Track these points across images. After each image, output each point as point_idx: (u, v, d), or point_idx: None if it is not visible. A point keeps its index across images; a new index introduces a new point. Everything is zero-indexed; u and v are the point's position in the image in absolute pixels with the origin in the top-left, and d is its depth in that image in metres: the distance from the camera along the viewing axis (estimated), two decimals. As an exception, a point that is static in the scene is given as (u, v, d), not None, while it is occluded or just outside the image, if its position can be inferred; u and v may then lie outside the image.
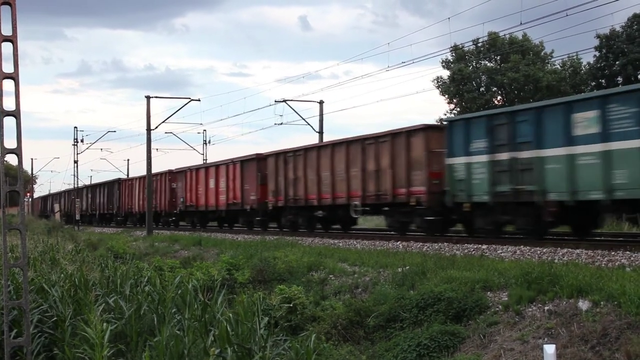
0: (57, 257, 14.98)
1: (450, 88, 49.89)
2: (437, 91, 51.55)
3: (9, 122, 7.47)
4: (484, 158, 18.46)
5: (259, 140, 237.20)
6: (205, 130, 58.50)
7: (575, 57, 47.34)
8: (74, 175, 56.93)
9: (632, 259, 12.78)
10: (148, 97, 39.79)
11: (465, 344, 10.21)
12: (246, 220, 32.42)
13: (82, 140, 56.98)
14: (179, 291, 9.23)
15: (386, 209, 23.07)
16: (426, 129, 21.10)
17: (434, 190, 20.21)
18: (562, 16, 22.19)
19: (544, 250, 14.68)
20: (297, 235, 25.57)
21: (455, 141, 19.45)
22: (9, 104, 7.48)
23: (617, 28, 42.44)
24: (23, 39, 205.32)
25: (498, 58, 49.36)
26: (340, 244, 20.83)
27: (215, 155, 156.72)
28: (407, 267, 13.80)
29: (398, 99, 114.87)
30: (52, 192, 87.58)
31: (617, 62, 42.14)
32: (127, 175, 57.89)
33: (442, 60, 50.24)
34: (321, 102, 40.27)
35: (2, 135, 7.36)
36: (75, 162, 56.68)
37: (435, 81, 51.28)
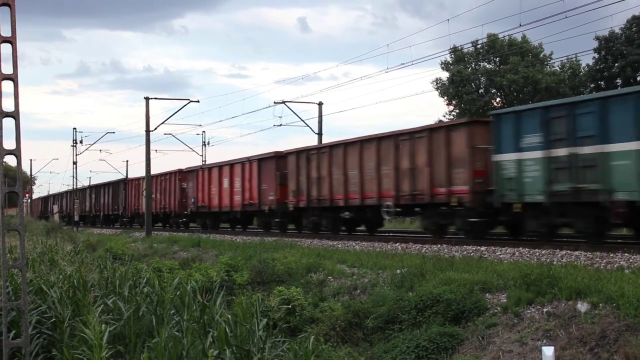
0: (55, 258, 14.94)
1: (449, 90, 49.98)
2: (436, 93, 51.75)
3: (8, 123, 7.47)
4: (537, 154, 16.94)
5: (258, 142, 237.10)
6: (204, 131, 58.58)
7: (574, 59, 47.47)
8: (73, 176, 56.88)
9: (630, 260, 12.79)
10: (147, 99, 39.73)
11: (463, 345, 10.22)
12: (263, 222, 31.20)
13: (81, 142, 56.87)
14: (178, 292, 9.23)
15: (418, 209, 21.78)
16: (469, 123, 19.94)
17: (477, 190, 18.84)
18: (561, 18, 22.21)
19: (543, 252, 14.68)
20: (296, 237, 25.58)
21: (504, 136, 17.99)
22: (7, 105, 7.47)
23: (616, 30, 42.65)
24: (22, 40, 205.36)
25: (497, 60, 49.44)
26: (339, 246, 20.83)
27: (215, 156, 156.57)
28: (406, 269, 13.81)
29: (397, 100, 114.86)
30: (52, 192, 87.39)
31: (616, 64, 42.26)
32: (127, 176, 57.72)
33: (442, 62, 50.42)
34: (320, 104, 40.41)
35: (1, 136, 7.35)
36: (74, 163, 56.65)
37: (435, 83, 51.45)
